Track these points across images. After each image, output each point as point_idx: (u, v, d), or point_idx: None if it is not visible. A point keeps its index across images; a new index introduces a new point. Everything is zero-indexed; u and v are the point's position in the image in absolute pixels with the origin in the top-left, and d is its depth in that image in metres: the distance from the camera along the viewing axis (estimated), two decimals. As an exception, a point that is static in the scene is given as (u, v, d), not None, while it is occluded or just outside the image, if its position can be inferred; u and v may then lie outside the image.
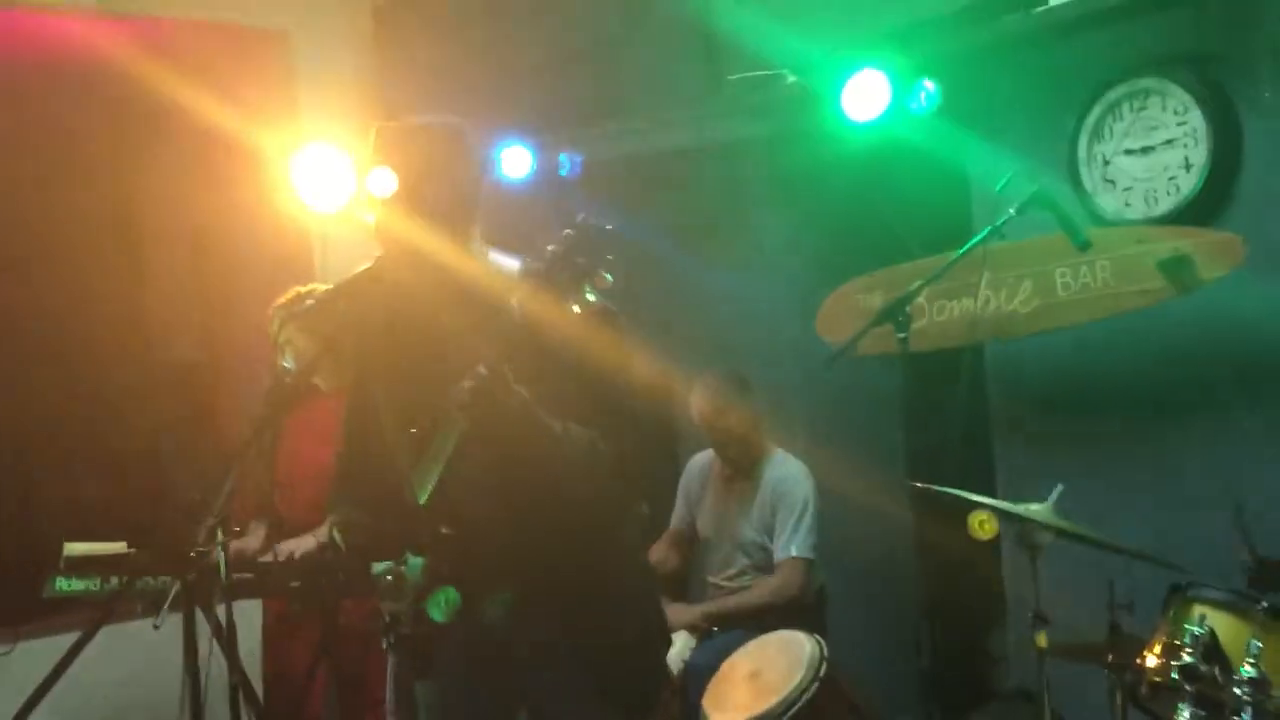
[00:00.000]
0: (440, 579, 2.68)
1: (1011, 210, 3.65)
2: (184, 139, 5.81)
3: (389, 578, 2.79)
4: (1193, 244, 3.96)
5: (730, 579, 4.67)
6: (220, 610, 3.98)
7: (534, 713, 2.81)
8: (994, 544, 4.81)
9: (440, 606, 2.73)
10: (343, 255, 5.64)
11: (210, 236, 6.38)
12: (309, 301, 3.69)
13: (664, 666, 2.79)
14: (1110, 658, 3.34)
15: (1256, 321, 4.03)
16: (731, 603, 4.57)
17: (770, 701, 3.86)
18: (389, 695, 4.28)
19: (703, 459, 4.91)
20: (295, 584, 3.93)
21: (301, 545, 4.30)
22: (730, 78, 5.17)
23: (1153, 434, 4.30)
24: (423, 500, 2.65)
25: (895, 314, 3.69)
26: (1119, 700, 3.32)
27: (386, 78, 6.04)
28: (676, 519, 4.93)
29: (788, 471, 4.59)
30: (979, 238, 3.73)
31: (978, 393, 4.84)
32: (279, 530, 4.36)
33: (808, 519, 4.48)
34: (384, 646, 2.90)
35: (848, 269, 4.96)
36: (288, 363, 4.42)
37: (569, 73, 5.58)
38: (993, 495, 4.75)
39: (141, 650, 4.40)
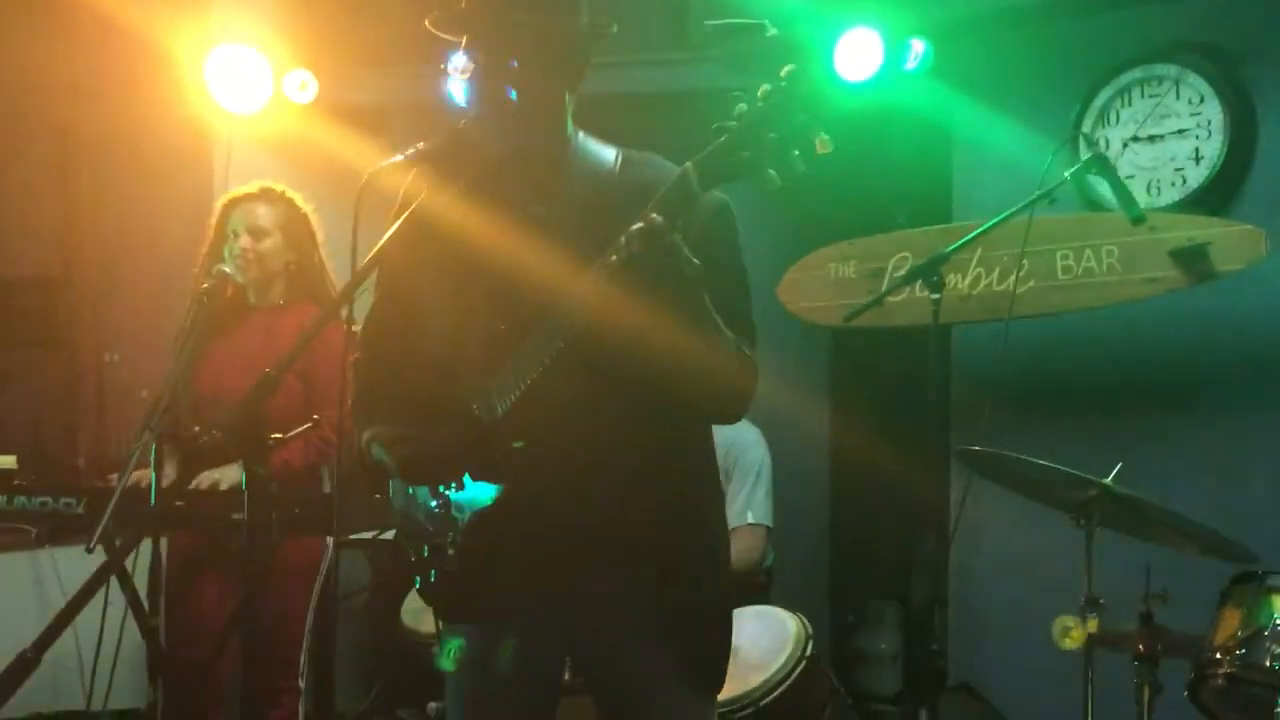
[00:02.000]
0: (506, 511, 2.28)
1: (1066, 175, 3.46)
2: (75, 29, 5.18)
3: (435, 506, 2.38)
4: (1210, 234, 3.87)
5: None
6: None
7: (590, 672, 2.42)
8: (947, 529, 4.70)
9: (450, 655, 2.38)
10: (251, 163, 5.14)
11: (83, 138, 5.71)
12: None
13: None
14: (1141, 648, 3.17)
15: (1243, 323, 3.99)
16: None
17: (753, 681, 3.57)
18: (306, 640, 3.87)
19: None
20: (237, 516, 3.42)
21: (226, 476, 3.80)
22: (706, 23, 4.88)
23: (1122, 433, 4.18)
24: (499, 414, 2.25)
25: (929, 273, 3.45)
26: (1147, 694, 3.15)
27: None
28: None
29: (741, 435, 4.30)
30: (1025, 205, 3.53)
31: (942, 378, 4.66)
32: (198, 461, 3.84)
33: (764, 484, 4.26)
34: (415, 588, 2.49)
35: (821, 237, 4.71)
36: (228, 266, 3.90)
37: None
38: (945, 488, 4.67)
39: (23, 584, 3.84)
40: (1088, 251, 4.05)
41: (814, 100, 1.94)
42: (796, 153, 1.95)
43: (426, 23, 2.40)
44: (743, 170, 1.98)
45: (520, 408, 2.22)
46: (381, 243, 2.32)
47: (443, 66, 5.16)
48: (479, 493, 2.32)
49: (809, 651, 3.64)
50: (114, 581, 3.60)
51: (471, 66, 2.34)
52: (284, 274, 4.09)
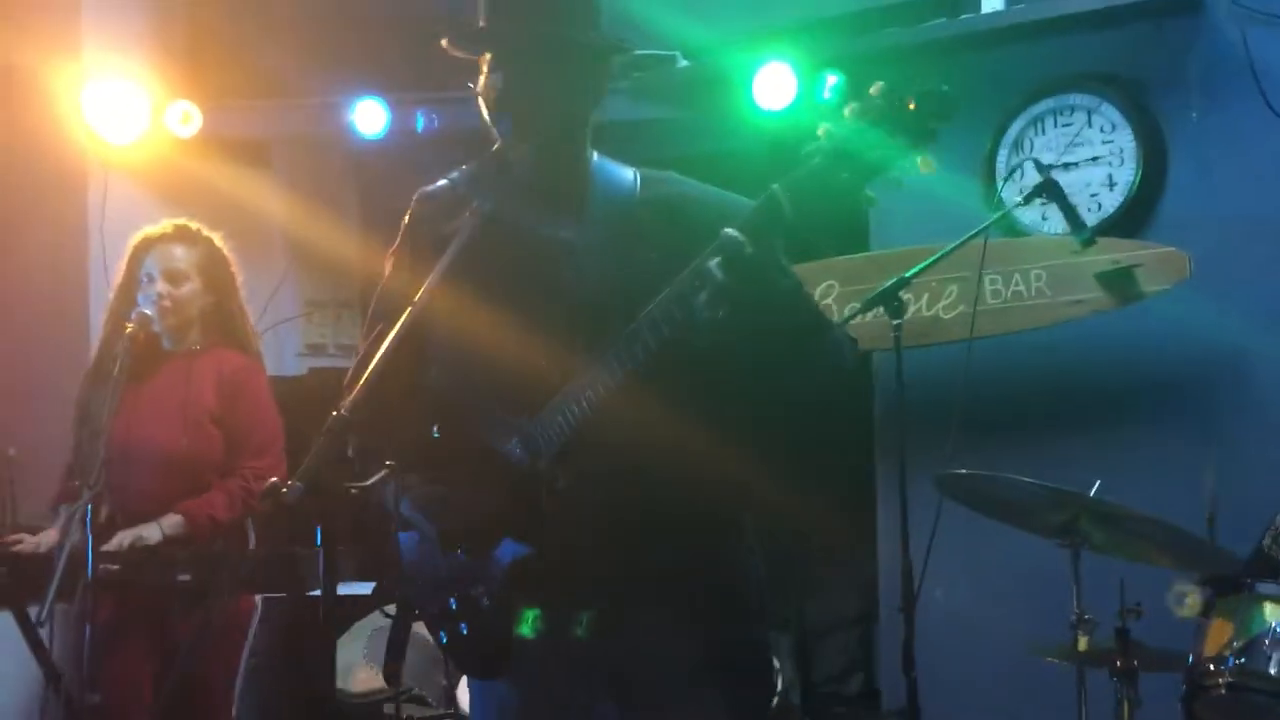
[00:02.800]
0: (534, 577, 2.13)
1: (1018, 198, 3.52)
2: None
3: (463, 554, 2.22)
4: (1135, 257, 3.99)
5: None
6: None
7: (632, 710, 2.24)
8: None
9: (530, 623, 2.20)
10: (128, 197, 4.89)
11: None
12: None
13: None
14: (1119, 664, 3.20)
15: (1159, 343, 4.11)
16: None
17: None
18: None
19: None
20: (184, 578, 3.17)
21: (147, 535, 3.53)
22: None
23: (1046, 456, 4.22)
24: (546, 458, 2.11)
25: (889, 298, 3.45)
26: (1125, 710, 3.19)
27: (196, 13, 5.24)
28: None
29: None
30: (979, 230, 3.57)
31: (867, 405, 4.69)
32: (113, 521, 3.55)
33: None
34: (440, 644, 2.32)
35: None
36: (149, 309, 3.65)
37: (427, 30, 5.03)
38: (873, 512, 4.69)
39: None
40: (1016, 275, 4.13)
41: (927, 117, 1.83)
42: (897, 174, 1.86)
43: (444, 44, 2.27)
44: (839, 193, 1.89)
45: (567, 448, 2.09)
46: (451, 258, 2.14)
47: (329, 100, 5.01)
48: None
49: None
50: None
51: (495, 88, 2.21)
52: (200, 318, 3.85)
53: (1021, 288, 4.14)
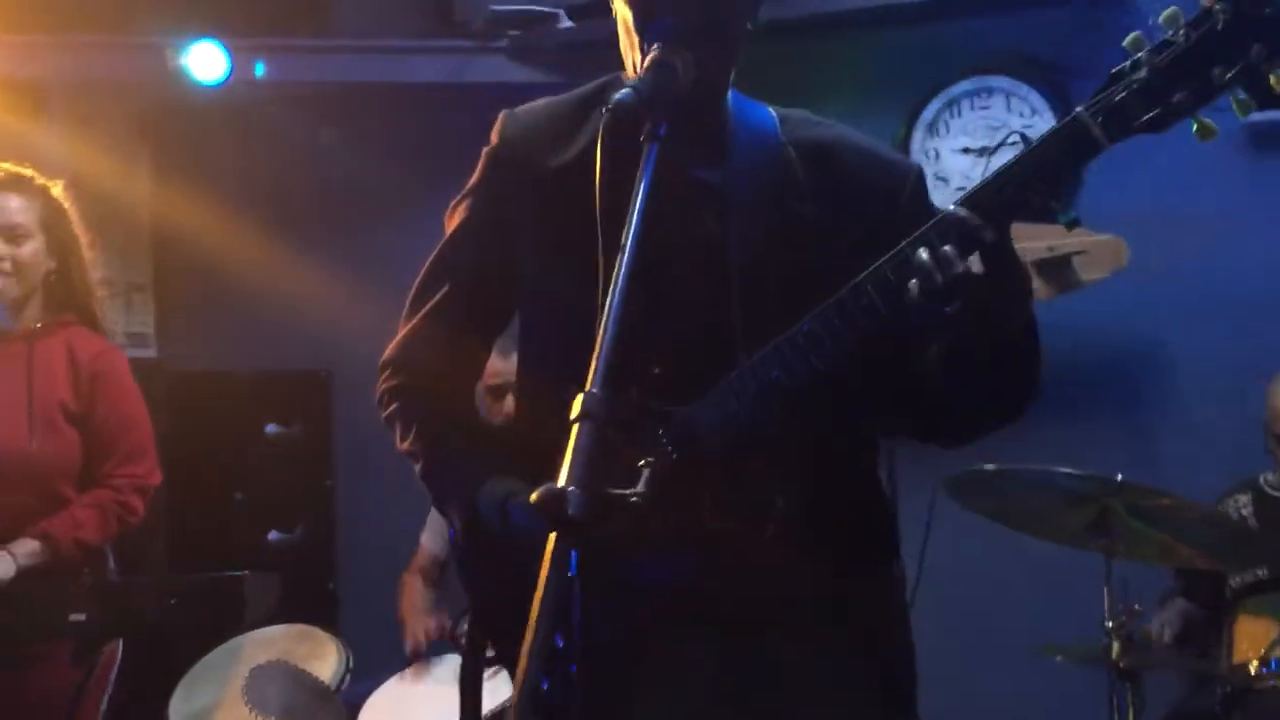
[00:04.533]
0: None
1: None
2: None
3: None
4: (1074, 244, 3.85)
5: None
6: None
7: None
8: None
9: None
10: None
11: None
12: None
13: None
14: (1122, 665, 3.03)
15: (1085, 335, 4.04)
16: None
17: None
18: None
19: None
20: (78, 618, 2.44)
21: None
22: (491, 8, 4.32)
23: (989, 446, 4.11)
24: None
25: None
26: (1130, 712, 3.03)
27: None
28: (431, 533, 3.94)
29: None
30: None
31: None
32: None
33: None
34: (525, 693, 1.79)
35: None
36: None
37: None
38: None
39: None
40: (948, 263, 3.94)
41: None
42: (1242, 96, 1.52)
43: None
44: (1170, 118, 1.56)
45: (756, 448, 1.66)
46: (638, 216, 1.52)
47: (147, 40, 4.26)
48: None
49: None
50: None
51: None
52: (43, 288, 3.08)
53: (955, 275, 3.95)
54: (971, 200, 1.58)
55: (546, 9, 4.33)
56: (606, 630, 1.53)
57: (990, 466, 2.95)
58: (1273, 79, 1.52)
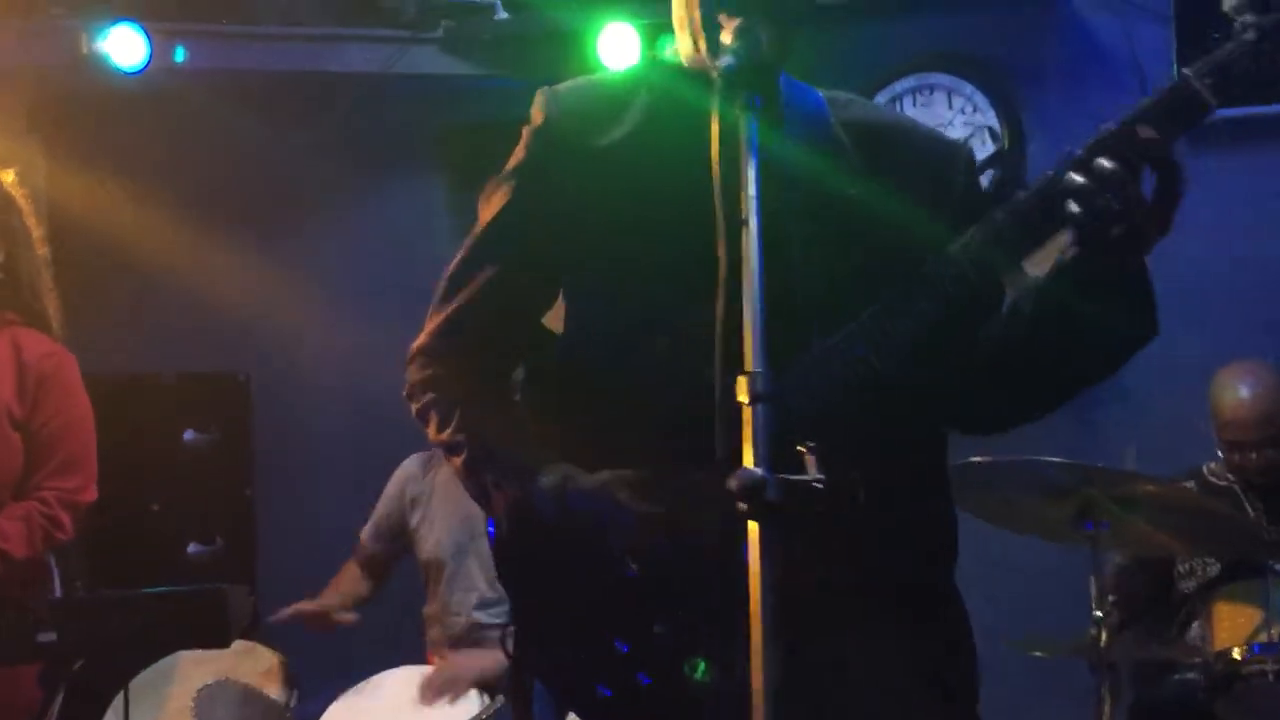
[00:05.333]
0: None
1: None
2: None
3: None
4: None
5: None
6: None
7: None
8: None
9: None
10: None
11: None
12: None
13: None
14: (1105, 657, 3.03)
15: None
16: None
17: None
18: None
19: (418, 459, 3.73)
20: (47, 637, 2.22)
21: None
22: (424, -3, 4.17)
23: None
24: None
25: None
26: (1108, 703, 3.03)
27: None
28: (375, 535, 3.75)
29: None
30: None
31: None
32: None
33: None
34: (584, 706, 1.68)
35: None
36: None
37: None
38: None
39: None
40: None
41: None
42: None
43: None
44: (1267, 78, 1.52)
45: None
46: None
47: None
48: None
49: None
50: None
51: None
52: (-11, 282, 2.86)
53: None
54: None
55: (480, 1, 4.21)
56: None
57: (978, 459, 2.92)
58: None
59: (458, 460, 1.72)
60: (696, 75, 1.67)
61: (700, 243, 1.60)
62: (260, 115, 4.27)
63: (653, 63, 1.83)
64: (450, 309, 1.77)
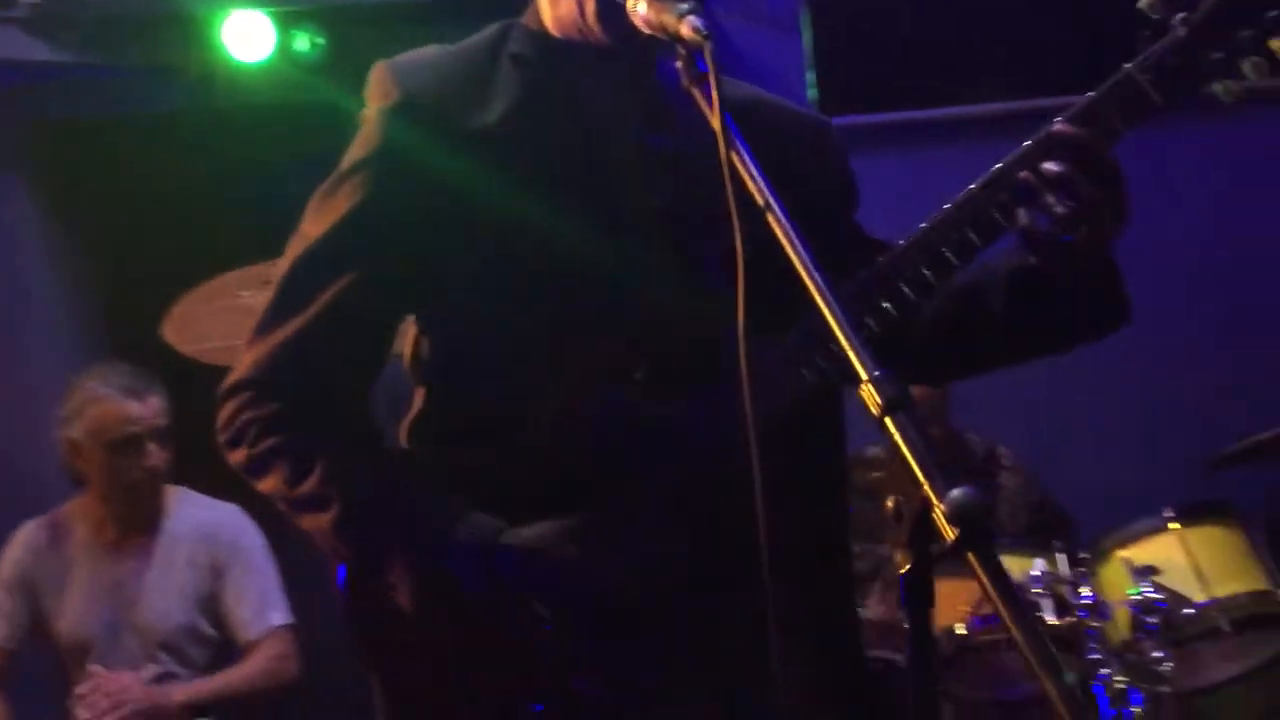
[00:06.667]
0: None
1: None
2: None
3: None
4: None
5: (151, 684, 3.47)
6: None
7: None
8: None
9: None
10: None
11: None
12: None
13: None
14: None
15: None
16: (217, 684, 3.55)
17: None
18: None
19: (41, 529, 3.55)
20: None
21: None
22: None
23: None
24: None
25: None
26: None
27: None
28: (10, 635, 3.49)
29: (218, 515, 3.61)
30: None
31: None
32: None
33: (274, 574, 3.67)
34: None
35: (227, 258, 3.41)
36: None
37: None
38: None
39: None
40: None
41: None
42: (1254, 60, 1.57)
43: None
44: (1208, 76, 1.58)
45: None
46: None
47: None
48: None
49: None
50: None
51: None
52: None
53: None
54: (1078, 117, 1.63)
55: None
56: None
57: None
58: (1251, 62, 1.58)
59: (322, 518, 1.63)
60: (574, 49, 1.67)
61: (605, 231, 1.63)
62: None
63: (506, 27, 1.71)
64: (287, 332, 1.67)
